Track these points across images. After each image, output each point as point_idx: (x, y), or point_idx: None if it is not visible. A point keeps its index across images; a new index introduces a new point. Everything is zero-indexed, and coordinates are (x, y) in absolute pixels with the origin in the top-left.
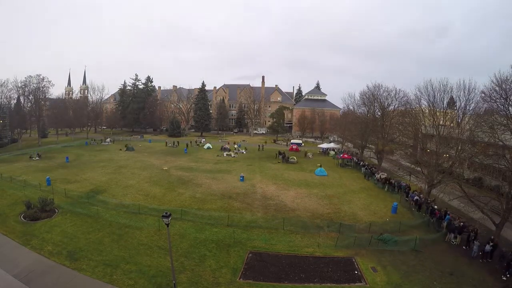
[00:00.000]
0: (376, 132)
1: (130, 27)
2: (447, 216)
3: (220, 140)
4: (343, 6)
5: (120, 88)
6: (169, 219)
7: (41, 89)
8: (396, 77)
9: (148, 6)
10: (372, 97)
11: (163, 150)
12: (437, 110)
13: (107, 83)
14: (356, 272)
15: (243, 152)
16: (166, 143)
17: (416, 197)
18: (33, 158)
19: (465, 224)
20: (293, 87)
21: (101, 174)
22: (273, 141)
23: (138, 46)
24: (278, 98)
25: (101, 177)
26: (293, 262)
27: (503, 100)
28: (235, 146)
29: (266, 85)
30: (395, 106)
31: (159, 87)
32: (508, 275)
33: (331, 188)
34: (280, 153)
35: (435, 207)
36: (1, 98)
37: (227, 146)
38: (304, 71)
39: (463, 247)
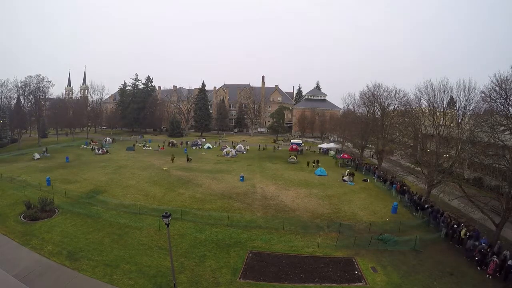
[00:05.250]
0: (376, 132)
1: (130, 27)
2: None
3: (220, 140)
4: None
5: (120, 88)
6: (169, 219)
7: (41, 89)
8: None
9: (149, 5)
10: (372, 97)
11: (162, 151)
12: (437, 110)
13: (107, 83)
14: (356, 272)
15: (243, 152)
16: (167, 142)
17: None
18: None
19: (441, 211)
20: (293, 87)
21: (101, 174)
22: (273, 141)
23: (138, 46)
24: (278, 98)
25: (101, 177)
26: (293, 262)
27: (503, 100)
28: (237, 147)
29: (266, 85)
30: (395, 106)
31: (159, 87)
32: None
33: (331, 188)
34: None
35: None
36: (1, 98)
37: (226, 146)
38: (304, 71)
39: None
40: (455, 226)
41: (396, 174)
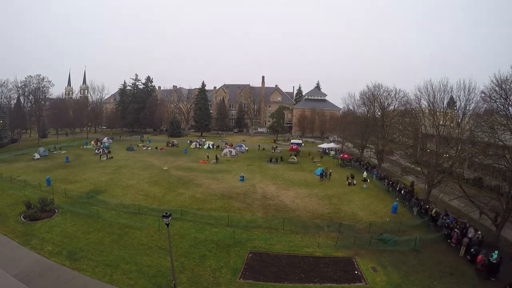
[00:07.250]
0: (376, 132)
1: (130, 27)
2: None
3: (220, 140)
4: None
5: (120, 88)
6: (169, 219)
7: (41, 89)
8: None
9: (149, 5)
10: (372, 97)
11: (162, 151)
12: (437, 110)
13: (107, 83)
14: (356, 272)
15: (243, 152)
16: (167, 142)
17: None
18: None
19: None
20: (293, 87)
21: (101, 174)
22: (273, 141)
23: (138, 46)
24: (278, 98)
25: (101, 177)
26: (293, 262)
27: (503, 100)
28: (237, 147)
29: (266, 85)
30: (395, 106)
31: (159, 87)
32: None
33: (331, 188)
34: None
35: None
36: (1, 98)
37: (227, 146)
38: (304, 71)
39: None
40: (427, 206)
41: (392, 174)
